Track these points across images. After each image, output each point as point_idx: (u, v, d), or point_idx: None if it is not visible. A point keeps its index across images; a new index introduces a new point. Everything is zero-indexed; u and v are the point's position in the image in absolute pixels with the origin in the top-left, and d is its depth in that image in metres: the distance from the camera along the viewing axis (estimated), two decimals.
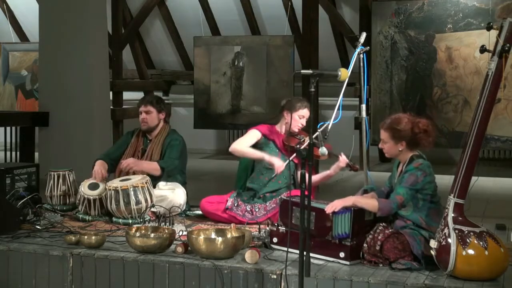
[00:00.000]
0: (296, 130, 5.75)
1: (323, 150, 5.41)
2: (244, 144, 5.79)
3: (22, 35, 13.45)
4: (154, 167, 5.91)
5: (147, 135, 6.17)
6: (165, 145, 6.07)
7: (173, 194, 5.86)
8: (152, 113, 6.07)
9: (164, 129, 6.15)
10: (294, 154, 5.49)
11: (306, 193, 3.90)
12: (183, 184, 6.12)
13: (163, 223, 5.39)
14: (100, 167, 5.94)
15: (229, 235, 4.71)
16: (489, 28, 4.15)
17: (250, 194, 5.83)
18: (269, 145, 5.83)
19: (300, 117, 5.71)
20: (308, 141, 5.52)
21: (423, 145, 4.55)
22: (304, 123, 5.73)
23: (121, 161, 5.97)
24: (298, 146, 5.59)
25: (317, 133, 5.60)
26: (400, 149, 4.55)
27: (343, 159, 5.54)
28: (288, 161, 5.56)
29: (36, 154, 8.69)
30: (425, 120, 4.59)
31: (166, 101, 12.90)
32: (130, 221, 5.51)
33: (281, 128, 5.85)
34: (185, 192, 6.00)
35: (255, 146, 5.84)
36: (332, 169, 5.62)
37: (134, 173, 5.89)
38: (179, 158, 6.04)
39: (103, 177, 5.87)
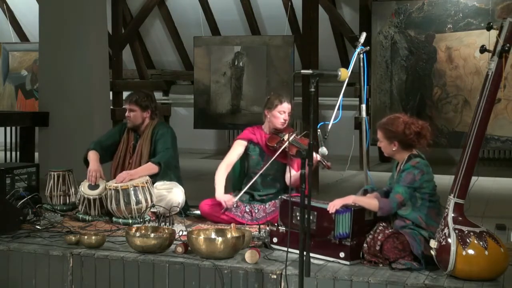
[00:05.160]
0: (281, 126, 5.69)
1: (323, 150, 5.39)
2: (230, 160, 5.82)
3: (22, 35, 13.44)
4: (149, 167, 5.87)
5: (136, 130, 6.15)
6: (153, 139, 6.03)
7: (171, 193, 5.85)
8: (136, 111, 6.03)
9: (151, 125, 6.10)
10: (276, 154, 5.54)
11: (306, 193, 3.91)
12: (178, 178, 6.08)
13: (163, 223, 5.38)
14: (94, 163, 5.91)
15: (229, 235, 4.71)
16: (489, 28, 4.15)
17: (248, 196, 5.82)
18: (255, 149, 5.82)
19: (280, 112, 5.65)
20: (288, 138, 5.56)
21: (416, 147, 4.55)
22: (287, 118, 5.68)
23: (118, 178, 5.90)
24: (277, 145, 5.59)
25: (293, 134, 5.60)
26: (393, 149, 4.57)
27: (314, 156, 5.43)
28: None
29: (36, 154, 8.68)
30: (421, 122, 4.58)
31: (166, 101, 13.08)
32: (130, 221, 5.51)
33: (266, 128, 5.82)
34: (183, 190, 5.98)
35: (246, 154, 5.86)
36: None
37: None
38: (172, 149, 6.00)
39: (99, 178, 5.86)
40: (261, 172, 5.65)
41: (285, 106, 5.64)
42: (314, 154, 5.25)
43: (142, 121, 6.07)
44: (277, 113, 5.65)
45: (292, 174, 5.43)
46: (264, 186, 5.79)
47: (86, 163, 6.00)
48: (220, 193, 5.66)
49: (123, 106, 6.19)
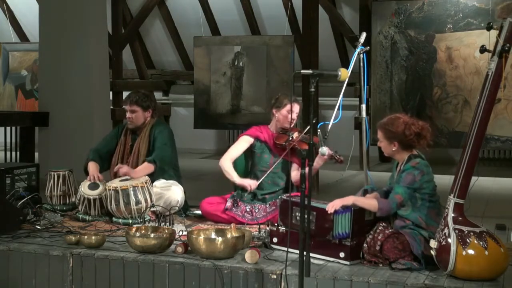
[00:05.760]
0: (288, 125, 5.74)
1: (323, 150, 5.40)
2: (234, 154, 5.85)
3: (22, 35, 13.45)
4: (146, 167, 5.86)
5: (135, 131, 6.14)
6: (151, 137, 6.03)
7: (170, 191, 5.84)
8: (138, 112, 6.02)
9: (149, 123, 6.10)
10: (285, 152, 5.58)
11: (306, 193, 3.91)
12: (178, 177, 6.08)
13: (163, 223, 5.38)
14: (93, 171, 5.93)
15: (229, 235, 4.71)
16: (489, 28, 4.15)
17: (250, 195, 5.83)
18: (262, 147, 5.83)
19: (289, 112, 5.69)
20: (298, 136, 5.60)
21: (416, 147, 4.55)
22: (295, 117, 5.71)
23: (117, 166, 5.91)
24: (286, 143, 5.61)
25: (303, 133, 5.64)
26: (393, 149, 4.57)
27: (323, 150, 5.39)
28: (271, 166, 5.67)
29: (36, 154, 8.69)
30: (421, 122, 4.58)
31: (166, 101, 13.08)
32: (130, 221, 5.51)
33: (273, 127, 5.85)
34: (182, 188, 5.98)
35: (251, 151, 5.88)
36: (315, 162, 5.40)
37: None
38: (168, 145, 5.99)
39: (99, 180, 5.87)
40: (271, 169, 5.69)
41: (294, 106, 5.69)
42: (326, 150, 5.30)
43: (144, 121, 6.06)
44: (285, 112, 5.69)
45: (299, 171, 5.47)
46: (269, 184, 5.80)
47: (86, 172, 6.01)
48: (238, 178, 5.69)
49: (123, 107, 6.15)
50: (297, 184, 5.51)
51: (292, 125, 5.74)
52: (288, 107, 5.68)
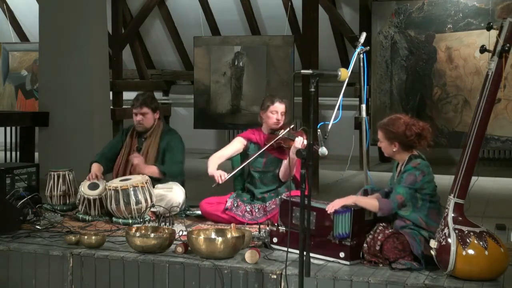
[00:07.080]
0: (275, 126, 5.77)
1: (323, 150, 5.39)
2: (224, 152, 5.91)
3: (22, 35, 13.44)
4: (154, 171, 5.90)
5: (142, 134, 6.14)
6: (162, 145, 6.04)
7: (171, 193, 5.85)
8: (148, 114, 6.04)
9: (159, 126, 6.11)
10: (265, 147, 5.64)
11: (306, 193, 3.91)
12: (182, 182, 6.10)
13: (163, 223, 5.39)
14: (94, 171, 5.94)
15: (229, 235, 4.71)
16: (489, 28, 4.16)
17: (250, 195, 5.85)
18: (255, 149, 5.85)
19: (273, 112, 5.73)
20: (282, 134, 5.64)
21: (416, 147, 4.56)
22: (280, 117, 5.74)
23: (132, 155, 5.93)
24: (274, 142, 5.65)
25: (287, 129, 5.66)
26: (394, 149, 4.57)
27: (298, 140, 5.44)
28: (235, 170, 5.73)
29: (36, 154, 8.68)
30: (421, 123, 4.58)
31: (166, 101, 13.08)
32: (130, 221, 5.51)
33: (265, 129, 5.89)
34: (184, 190, 5.99)
35: (245, 153, 5.92)
36: (291, 152, 5.46)
37: (131, 173, 5.91)
38: (183, 162, 6.04)
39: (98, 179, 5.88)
40: (249, 161, 5.72)
41: (277, 106, 5.74)
42: (299, 138, 5.34)
43: (153, 123, 6.07)
44: (269, 114, 5.75)
45: (284, 164, 5.58)
46: (264, 183, 5.82)
47: None
48: (212, 169, 5.69)
49: (133, 111, 6.11)
50: (285, 179, 5.70)
51: (279, 125, 5.76)
52: (271, 108, 5.74)
